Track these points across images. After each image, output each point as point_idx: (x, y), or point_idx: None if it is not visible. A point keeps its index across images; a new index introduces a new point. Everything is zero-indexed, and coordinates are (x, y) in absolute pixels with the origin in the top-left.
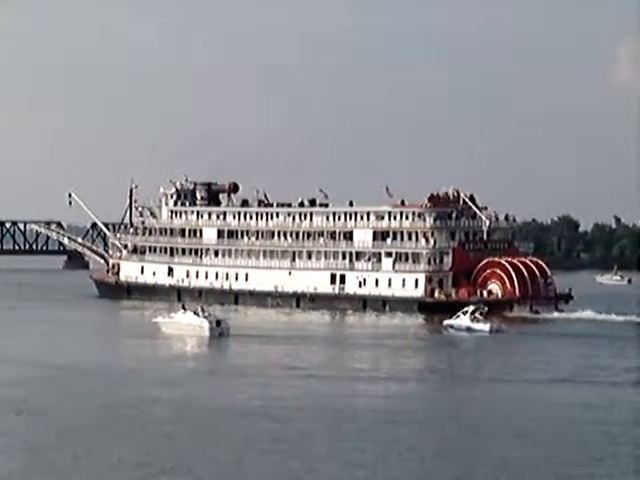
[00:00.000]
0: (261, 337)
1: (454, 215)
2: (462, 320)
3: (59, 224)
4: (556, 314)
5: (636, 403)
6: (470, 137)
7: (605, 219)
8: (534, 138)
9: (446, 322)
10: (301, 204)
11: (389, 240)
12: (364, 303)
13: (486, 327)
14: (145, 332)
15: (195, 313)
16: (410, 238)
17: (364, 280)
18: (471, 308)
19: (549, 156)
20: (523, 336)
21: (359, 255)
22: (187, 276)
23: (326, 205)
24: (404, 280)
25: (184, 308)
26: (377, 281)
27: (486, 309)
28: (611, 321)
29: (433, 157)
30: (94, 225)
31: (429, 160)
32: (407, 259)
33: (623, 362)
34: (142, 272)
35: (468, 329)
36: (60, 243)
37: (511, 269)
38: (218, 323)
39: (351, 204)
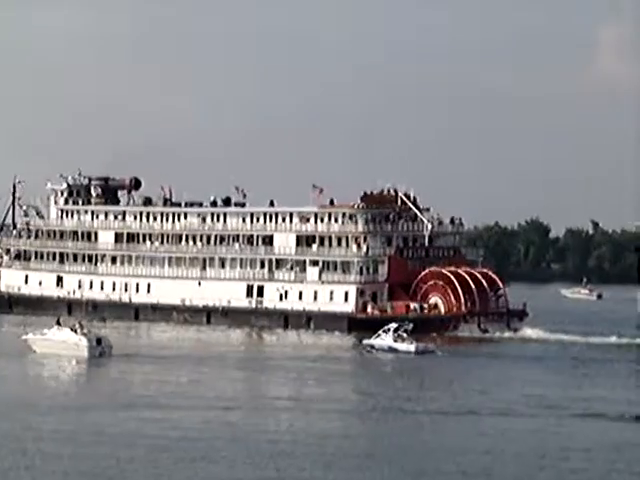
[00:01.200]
0: (156, 358)
1: (391, 217)
2: (384, 339)
3: None
4: (507, 333)
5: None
6: (414, 126)
7: (581, 224)
8: (496, 128)
9: (366, 341)
10: (213, 203)
11: (315, 246)
12: (285, 319)
13: (411, 347)
14: (15, 351)
15: (72, 329)
16: (339, 244)
17: (285, 292)
18: (394, 325)
19: (515, 149)
20: (456, 358)
21: (280, 263)
22: (79, 287)
23: (243, 205)
24: (332, 293)
25: (59, 323)
26: (301, 294)
27: (411, 326)
28: (565, 342)
29: (369, 150)
30: None
31: (364, 154)
32: (336, 268)
33: (568, 390)
34: (26, 282)
35: (391, 349)
36: None
37: (456, 281)
38: (99, 341)
39: (272, 204)
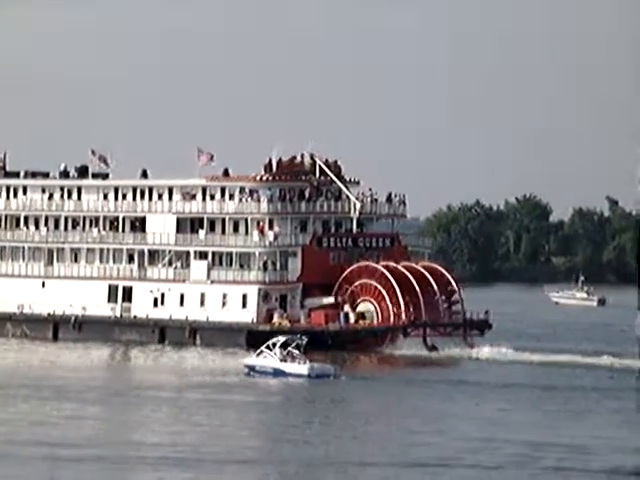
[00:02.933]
0: None
1: (306, 194)
2: (268, 359)
3: None
4: (463, 351)
5: None
6: (340, 71)
7: (592, 202)
8: (476, 70)
9: (246, 361)
10: (64, 174)
11: (202, 233)
12: (162, 333)
13: (303, 369)
14: None
15: None
16: (236, 230)
17: (162, 296)
18: (281, 339)
19: (498, 98)
20: (373, 385)
21: (155, 256)
22: None
23: (105, 176)
24: (225, 296)
25: None
26: (182, 298)
27: (305, 340)
28: (538, 363)
29: (278, 104)
30: None
31: (271, 109)
32: (230, 263)
33: (528, 431)
34: None
35: (277, 372)
36: None
37: (394, 280)
38: None
39: (145, 175)
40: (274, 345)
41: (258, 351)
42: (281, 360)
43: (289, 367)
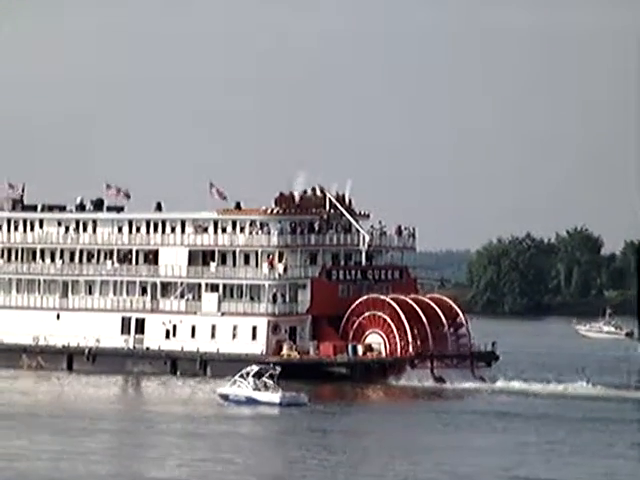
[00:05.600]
0: None
1: (316, 226)
2: (241, 388)
3: None
4: (471, 384)
5: None
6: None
7: None
8: (512, 90)
9: (220, 390)
10: (80, 207)
11: (213, 265)
12: (173, 364)
13: (276, 397)
14: None
15: None
16: (246, 262)
17: (174, 328)
18: (254, 369)
19: (551, 133)
20: (340, 414)
21: (167, 288)
22: None
23: (119, 209)
24: (235, 328)
25: None
26: (194, 330)
27: (278, 370)
28: (551, 395)
29: (291, 136)
30: None
31: (282, 142)
32: (241, 295)
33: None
34: None
35: (250, 401)
36: None
37: (402, 312)
38: None
39: (159, 208)
40: (247, 374)
41: (232, 381)
42: (254, 389)
43: (262, 396)
